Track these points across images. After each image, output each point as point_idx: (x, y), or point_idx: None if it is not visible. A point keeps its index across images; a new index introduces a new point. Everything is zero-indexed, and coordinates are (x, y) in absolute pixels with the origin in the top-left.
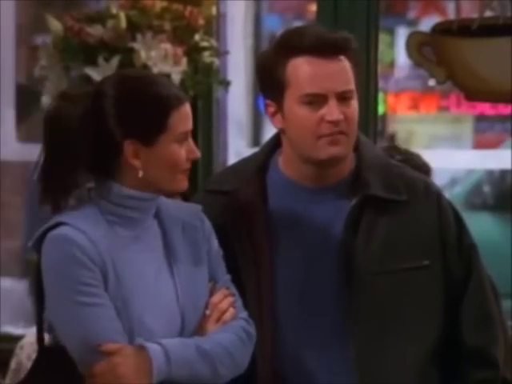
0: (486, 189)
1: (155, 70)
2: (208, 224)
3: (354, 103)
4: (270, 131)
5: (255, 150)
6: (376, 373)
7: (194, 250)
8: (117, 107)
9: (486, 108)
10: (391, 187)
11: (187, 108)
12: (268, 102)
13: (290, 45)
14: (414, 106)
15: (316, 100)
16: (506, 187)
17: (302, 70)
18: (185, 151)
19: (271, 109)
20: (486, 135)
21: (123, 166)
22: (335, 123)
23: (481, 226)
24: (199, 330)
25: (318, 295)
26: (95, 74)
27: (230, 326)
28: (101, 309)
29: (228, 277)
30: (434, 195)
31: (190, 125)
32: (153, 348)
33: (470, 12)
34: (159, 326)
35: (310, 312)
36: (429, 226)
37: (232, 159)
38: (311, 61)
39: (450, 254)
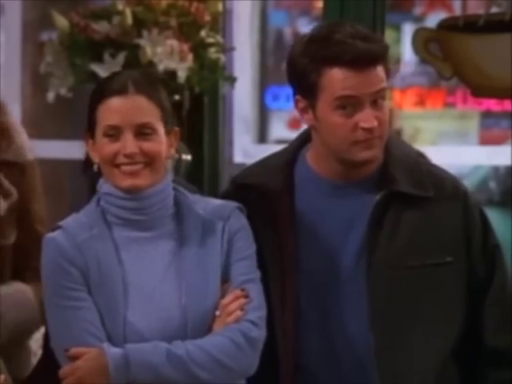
0: (492, 185)
1: (161, 66)
2: (235, 223)
3: (385, 103)
4: (276, 127)
5: (261, 146)
6: (395, 364)
7: (208, 250)
8: None
9: (492, 104)
10: (418, 183)
11: (116, 101)
12: (298, 97)
13: (327, 55)
14: (420, 102)
15: (349, 103)
16: (511, 183)
17: (338, 78)
18: (119, 146)
19: (301, 104)
20: (492, 131)
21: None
22: (370, 130)
23: None
24: (210, 331)
25: (341, 288)
26: (101, 71)
27: (225, 330)
28: (78, 311)
29: (247, 278)
30: (462, 194)
31: (119, 119)
32: (112, 352)
33: (476, 8)
34: (150, 328)
35: (333, 304)
36: (454, 224)
37: (238, 155)
38: (348, 72)
39: (474, 253)
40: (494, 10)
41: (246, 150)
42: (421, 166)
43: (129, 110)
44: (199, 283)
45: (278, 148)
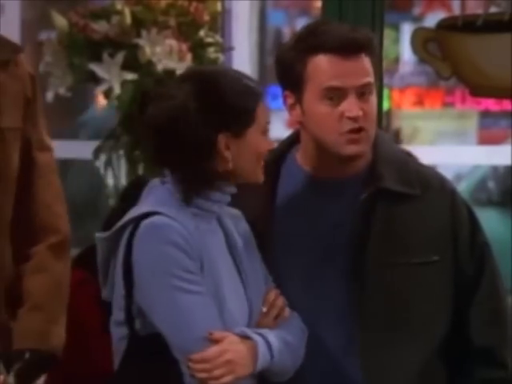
0: (491, 185)
1: (160, 66)
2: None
3: (373, 98)
4: (275, 127)
5: None
6: (380, 364)
7: (248, 245)
8: (206, 101)
9: (491, 104)
10: (405, 181)
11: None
12: (287, 93)
13: (312, 43)
14: (419, 101)
15: (336, 94)
16: (510, 183)
17: (323, 67)
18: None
19: (290, 100)
20: (490, 131)
21: (213, 158)
22: (355, 119)
23: (486, 222)
24: (259, 326)
25: (327, 286)
26: (100, 70)
27: (293, 319)
28: (201, 296)
29: (270, 278)
30: (449, 192)
31: (269, 116)
32: (257, 338)
33: (475, 8)
34: (239, 316)
35: (320, 303)
36: (441, 222)
37: None
38: (332, 59)
39: (462, 252)
40: (493, 9)
41: None
42: (409, 165)
43: None
44: (254, 276)
45: None
